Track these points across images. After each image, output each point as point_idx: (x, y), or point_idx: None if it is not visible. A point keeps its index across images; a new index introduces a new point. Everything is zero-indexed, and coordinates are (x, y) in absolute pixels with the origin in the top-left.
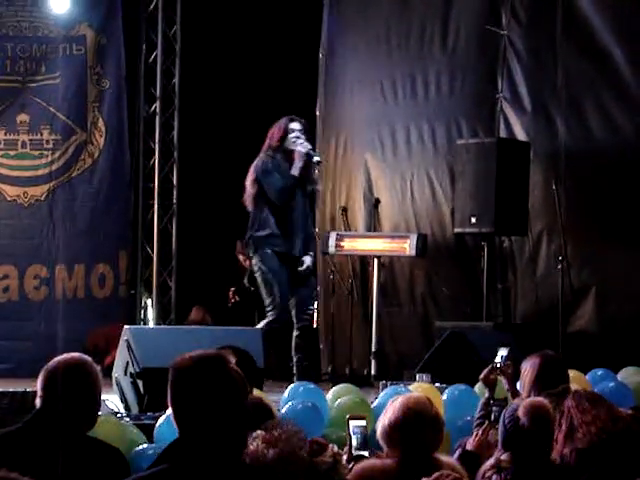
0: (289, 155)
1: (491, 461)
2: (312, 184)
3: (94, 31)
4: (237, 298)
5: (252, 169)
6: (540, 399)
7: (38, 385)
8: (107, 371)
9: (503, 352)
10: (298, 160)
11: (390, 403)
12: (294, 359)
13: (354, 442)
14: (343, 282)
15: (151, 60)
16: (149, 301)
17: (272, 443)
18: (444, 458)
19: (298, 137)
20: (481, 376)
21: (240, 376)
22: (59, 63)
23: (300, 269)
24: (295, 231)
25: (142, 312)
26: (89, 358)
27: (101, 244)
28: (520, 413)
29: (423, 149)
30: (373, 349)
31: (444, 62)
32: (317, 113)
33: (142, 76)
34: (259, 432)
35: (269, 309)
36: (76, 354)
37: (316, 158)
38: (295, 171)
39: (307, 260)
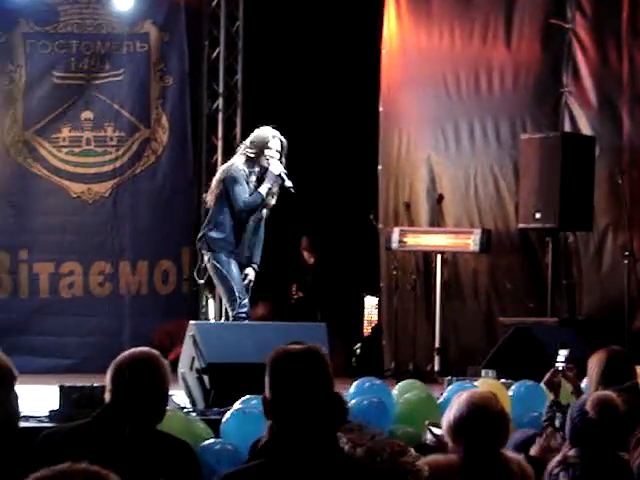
0: (261, 169)
1: (558, 458)
2: (267, 208)
3: (158, 28)
4: (300, 294)
5: (223, 168)
6: (608, 392)
7: (107, 379)
8: (172, 367)
9: (564, 353)
10: (268, 179)
11: (455, 398)
12: None
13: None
14: (406, 278)
15: (214, 56)
16: (211, 297)
17: (358, 443)
18: (511, 454)
19: (273, 156)
20: (544, 380)
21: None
22: (123, 60)
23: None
24: (244, 240)
25: (204, 308)
26: (157, 352)
27: (164, 241)
28: (588, 407)
29: (487, 144)
30: (436, 345)
31: (508, 56)
32: (380, 109)
33: (205, 73)
34: (339, 434)
35: (229, 304)
36: (145, 348)
37: (288, 183)
38: (263, 190)
39: (250, 273)
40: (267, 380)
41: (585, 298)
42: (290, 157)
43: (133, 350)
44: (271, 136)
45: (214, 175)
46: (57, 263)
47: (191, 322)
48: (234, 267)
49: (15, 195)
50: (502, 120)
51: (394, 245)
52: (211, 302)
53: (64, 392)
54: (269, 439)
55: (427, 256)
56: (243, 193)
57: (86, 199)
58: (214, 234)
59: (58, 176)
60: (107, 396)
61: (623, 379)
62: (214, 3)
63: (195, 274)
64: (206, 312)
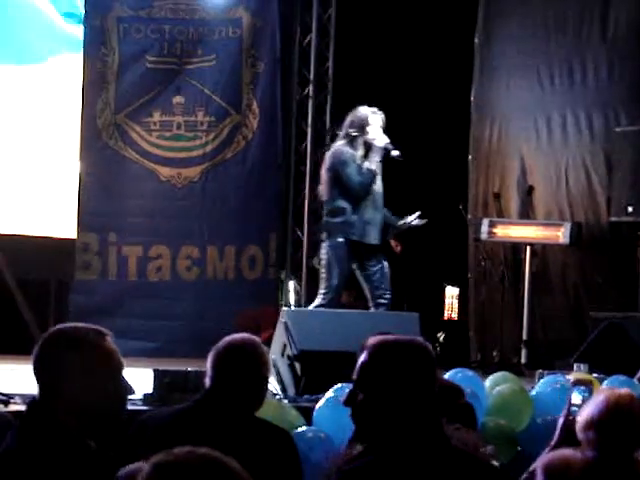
0: (366, 147)
1: None
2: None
3: (250, 14)
4: None
5: (328, 155)
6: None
7: (208, 365)
8: None
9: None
10: (375, 154)
11: (594, 397)
12: None
13: (575, 401)
14: (494, 269)
15: (305, 43)
16: (291, 284)
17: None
18: None
19: (377, 130)
20: (638, 376)
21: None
22: (215, 45)
23: (404, 222)
24: (369, 220)
25: (286, 295)
26: (257, 339)
27: (252, 226)
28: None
29: (579, 136)
30: (524, 337)
31: (603, 48)
32: (472, 98)
33: (296, 59)
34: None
35: (322, 292)
36: (245, 335)
37: (394, 153)
38: (372, 165)
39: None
40: (363, 367)
41: None
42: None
43: (234, 336)
44: (370, 112)
45: (303, 162)
46: (145, 246)
47: (284, 308)
48: (347, 259)
49: (105, 178)
50: (595, 113)
51: (483, 236)
52: (291, 290)
53: (158, 376)
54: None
55: (516, 248)
56: (355, 174)
57: (175, 183)
58: (334, 219)
59: (148, 160)
60: (207, 382)
61: None
62: None
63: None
64: (287, 300)
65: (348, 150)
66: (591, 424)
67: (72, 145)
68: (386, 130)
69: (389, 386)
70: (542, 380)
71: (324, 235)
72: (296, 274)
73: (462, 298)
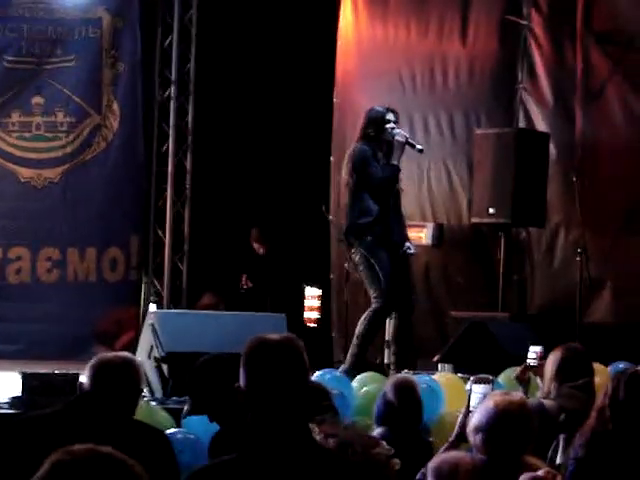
0: (386, 145)
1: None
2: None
3: (110, 14)
4: (250, 284)
5: (349, 158)
6: (407, 376)
7: (87, 370)
8: None
9: (536, 349)
10: (397, 149)
11: (485, 401)
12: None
13: (473, 402)
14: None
15: (167, 44)
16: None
17: (330, 434)
18: (534, 460)
19: (394, 127)
20: (514, 374)
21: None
22: (75, 46)
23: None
24: (393, 218)
25: (149, 297)
26: (134, 358)
27: (113, 228)
28: (387, 390)
29: (441, 139)
30: (386, 338)
31: (463, 52)
32: (334, 100)
33: (157, 60)
34: (313, 426)
35: (374, 296)
36: (125, 353)
37: (419, 146)
38: (395, 160)
39: (410, 246)
40: (242, 370)
41: (536, 293)
42: (243, 148)
43: (109, 355)
44: (385, 109)
45: (165, 163)
46: (4, 248)
47: (151, 310)
48: (384, 256)
49: None
50: (456, 115)
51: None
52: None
53: (26, 379)
54: (242, 431)
55: None
56: (377, 172)
57: (35, 184)
58: (361, 220)
59: (7, 161)
60: (84, 385)
61: (579, 376)
62: None
63: (347, 266)
64: (148, 301)
65: (368, 149)
66: (480, 428)
67: None
68: (240, 143)
69: (260, 383)
70: None
71: (352, 237)
72: (158, 276)
73: (324, 299)
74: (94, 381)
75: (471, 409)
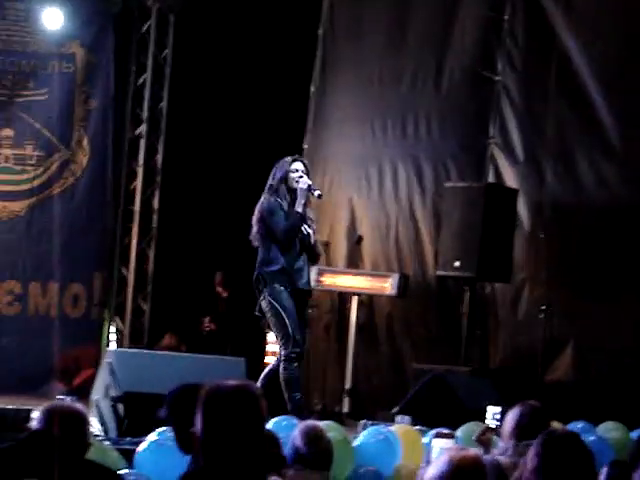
0: (292, 194)
1: None
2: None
3: (85, 49)
4: (213, 326)
5: (257, 209)
6: (313, 422)
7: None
8: (77, 391)
9: (495, 410)
10: (300, 197)
11: (439, 456)
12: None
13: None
14: (321, 317)
15: (140, 82)
16: (113, 325)
17: None
18: None
19: (300, 176)
20: (474, 437)
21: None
22: (48, 79)
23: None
24: (300, 264)
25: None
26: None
27: (77, 264)
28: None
29: (410, 189)
30: (347, 386)
31: (436, 103)
32: (305, 146)
33: (130, 98)
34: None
35: (282, 342)
36: (72, 405)
37: (317, 192)
38: (299, 207)
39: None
40: (199, 416)
41: (498, 349)
42: (209, 191)
43: (59, 404)
44: (290, 159)
45: (132, 202)
46: None
47: (109, 349)
48: (290, 304)
49: None
50: (426, 166)
51: (312, 284)
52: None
53: None
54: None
55: (343, 296)
56: (280, 221)
57: (0, 217)
58: (269, 268)
59: None
60: (35, 425)
61: (536, 434)
62: (144, 29)
63: (257, 312)
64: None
65: (275, 199)
66: None
67: None
68: (208, 187)
69: (215, 429)
70: (366, 431)
71: (260, 284)
72: (120, 314)
73: None
74: (44, 425)
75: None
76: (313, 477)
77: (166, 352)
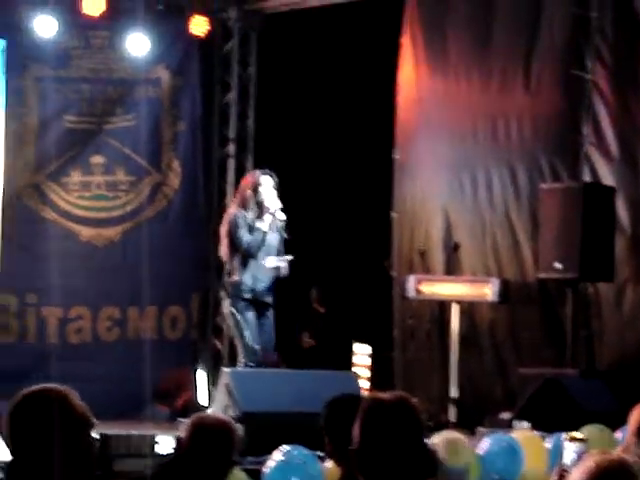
0: (260, 207)
1: None
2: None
3: (171, 73)
4: (312, 342)
5: (224, 221)
6: None
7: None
8: (180, 414)
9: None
10: (267, 216)
11: (584, 460)
12: None
13: (567, 461)
14: (421, 327)
15: (225, 101)
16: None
17: None
18: None
19: (269, 192)
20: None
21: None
22: (135, 105)
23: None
24: (261, 278)
25: (211, 356)
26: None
27: (174, 286)
28: None
29: (504, 192)
30: (452, 395)
31: (526, 105)
32: (395, 157)
33: (216, 118)
34: None
35: (241, 352)
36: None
37: (281, 217)
38: (265, 227)
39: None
40: (357, 427)
41: (604, 349)
42: (302, 205)
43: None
44: (261, 174)
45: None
46: (65, 308)
47: (225, 369)
48: (251, 315)
49: (25, 239)
50: (520, 169)
51: (410, 293)
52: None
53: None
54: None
55: (442, 305)
56: (244, 235)
57: (96, 243)
58: (232, 279)
59: (68, 220)
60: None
61: None
62: (227, 47)
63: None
64: (210, 360)
65: (240, 213)
66: None
67: None
68: (301, 205)
69: (375, 443)
70: (488, 438)
71: (224, 294)
72: (217, 335)
73: (375, 355)
74: (191, 441)
75: (565, 468)
76: None
77: (276, 370)
